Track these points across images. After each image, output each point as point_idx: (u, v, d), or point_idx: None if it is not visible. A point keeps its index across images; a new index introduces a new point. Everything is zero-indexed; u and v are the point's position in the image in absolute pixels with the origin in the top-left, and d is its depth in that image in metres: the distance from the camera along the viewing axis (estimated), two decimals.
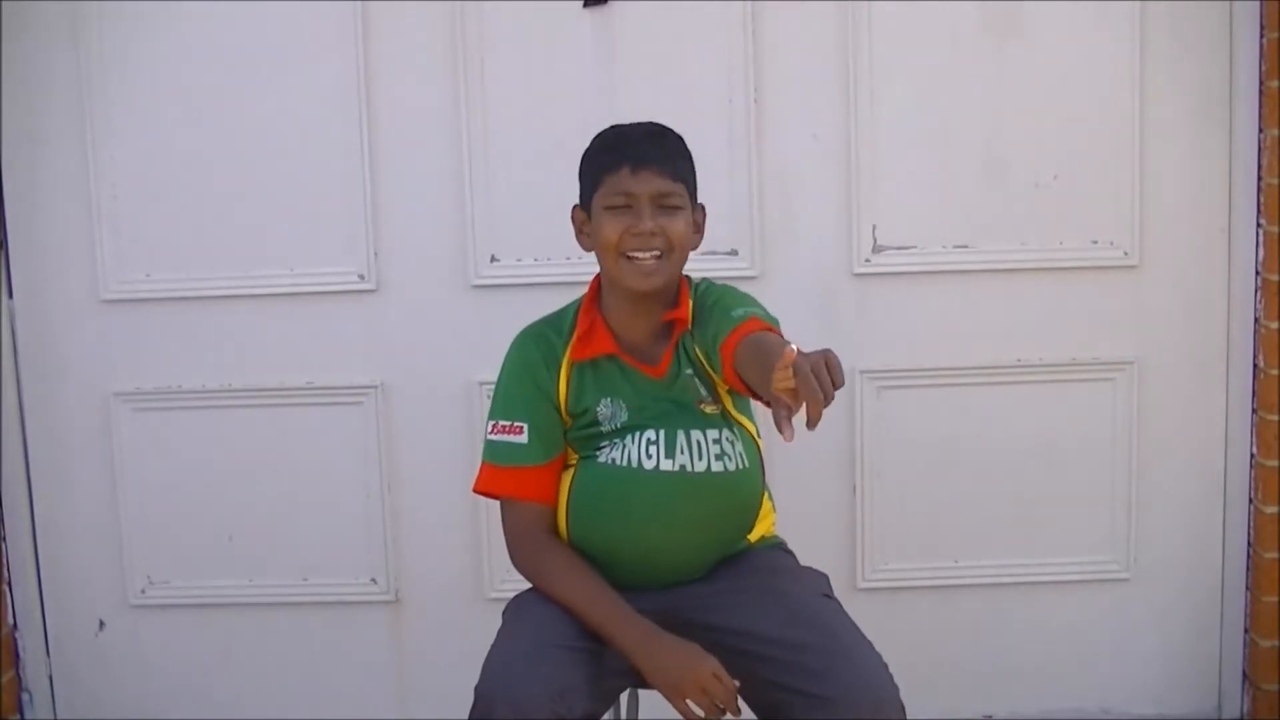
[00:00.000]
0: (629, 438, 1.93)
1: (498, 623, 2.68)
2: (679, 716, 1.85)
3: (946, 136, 2.61)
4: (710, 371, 1.95)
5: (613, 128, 2.04)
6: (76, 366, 2.72)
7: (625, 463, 1.92)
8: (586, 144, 2.59)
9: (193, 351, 2.70)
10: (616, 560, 1.96)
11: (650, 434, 1.92)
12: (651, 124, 2.02)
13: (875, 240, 2.63)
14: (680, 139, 2.01)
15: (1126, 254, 2.64)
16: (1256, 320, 2.64)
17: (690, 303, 1.99)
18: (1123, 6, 2.57)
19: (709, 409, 1.96)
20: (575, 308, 2.04)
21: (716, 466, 1.93)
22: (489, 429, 2.00)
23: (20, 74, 2.63)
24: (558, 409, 1.98)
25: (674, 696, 1.84)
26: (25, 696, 2.81)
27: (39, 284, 2.71)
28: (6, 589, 2.75)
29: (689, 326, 1.97)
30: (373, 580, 2.76)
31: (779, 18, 2.59)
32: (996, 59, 2.60)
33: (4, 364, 2.71)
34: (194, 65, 2.61)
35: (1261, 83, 2.58)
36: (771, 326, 1.89)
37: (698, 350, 1.96)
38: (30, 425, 2.75)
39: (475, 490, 2.03)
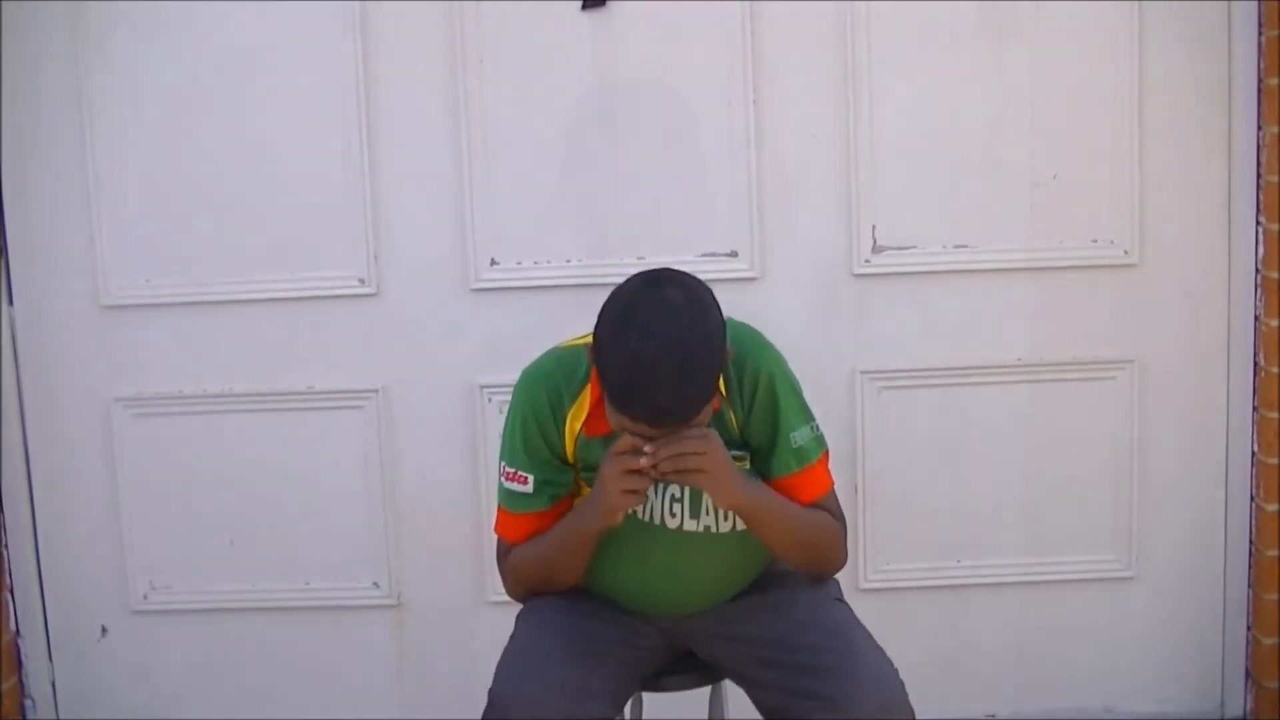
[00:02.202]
0: (652, 490, 1.84)
1: (499, 626, 2.67)
2: (687, 717, 1.85)
3: (945, 136, 2.61)
4: (743, 431, 1.89)
5: (629, 354, 1.69)
6: (77, 372, 2.72)
7: (647, 518, 1.88)
8: (585, 138, 2.61)
9: (193, 356, 2.70)
10: (634, 600, 1.94)
11: (674, 490, 1.86)
12: (676, 363, 1.68)
13: (875, 240, 2.63)
14: (708, 347, 1.72)
15: (1126, 252, 2.64)
16: (1257, 318, 2.64)
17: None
18: (1121, 5, 2.56)
19: (736, 464, 1.86)
20: (588, 359, 1.84)
21: (742, 525, 1.87)
22: (500, 469, 1.95)
23: (20, 78, 2.63)
24: (563, 458, 1.91)
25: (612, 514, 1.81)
26: (28, 702, 2.81)
27: (40, 290, 2.71)
28: (9, 595, 2.75)
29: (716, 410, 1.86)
30: (374, 584, 2.76)
31: (778, 18, 2.58)
32: (995, 58, 2.60)
33: (4, 370, 2.71)
34: (194, 68, 2.61)
35: (1260, 80, 2.58)
36: (823, 469, 1.92)
37: (732, 419, 1.88)
38: (31, 431, 2.75)
39: (496, 532, 2.00)
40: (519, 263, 2.65)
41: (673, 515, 1.87)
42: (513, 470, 1.92)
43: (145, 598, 2.78)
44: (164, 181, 2.65)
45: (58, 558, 2.79)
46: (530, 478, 1.90)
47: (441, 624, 2.77)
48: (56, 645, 2.82)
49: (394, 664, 2.79)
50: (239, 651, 2.80)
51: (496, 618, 2.72)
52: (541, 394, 1.90)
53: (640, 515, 1.88)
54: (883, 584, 2.72)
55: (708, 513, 1.87)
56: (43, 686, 2.82)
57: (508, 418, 1.94)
